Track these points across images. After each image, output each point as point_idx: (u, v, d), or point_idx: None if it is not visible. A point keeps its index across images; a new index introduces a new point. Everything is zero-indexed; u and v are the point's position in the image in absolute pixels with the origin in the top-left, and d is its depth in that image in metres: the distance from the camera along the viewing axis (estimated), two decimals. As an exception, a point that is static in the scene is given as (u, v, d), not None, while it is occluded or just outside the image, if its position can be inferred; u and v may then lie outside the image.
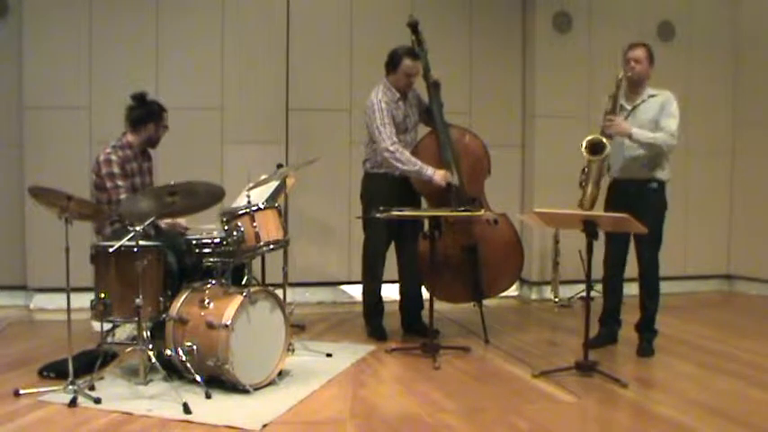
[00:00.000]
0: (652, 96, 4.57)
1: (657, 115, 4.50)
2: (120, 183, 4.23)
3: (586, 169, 4.55)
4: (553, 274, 6.33)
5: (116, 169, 4.24)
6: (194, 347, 3.71)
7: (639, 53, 4.56)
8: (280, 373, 3.93)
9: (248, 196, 4.04)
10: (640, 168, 4.54)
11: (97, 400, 3.51)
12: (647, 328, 4.67)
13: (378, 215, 4.43)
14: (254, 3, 6.17)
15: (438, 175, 4.73)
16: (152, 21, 5.94)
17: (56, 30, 5.78)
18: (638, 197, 4.49)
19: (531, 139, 6.64)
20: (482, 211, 4.71)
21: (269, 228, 3.99)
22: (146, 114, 4.39)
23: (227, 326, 3.64)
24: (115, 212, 4.15)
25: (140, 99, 4.40)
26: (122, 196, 4.16)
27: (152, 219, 3.81)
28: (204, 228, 4.30)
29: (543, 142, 6.54)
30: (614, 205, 4.52)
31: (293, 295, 5.35)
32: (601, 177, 4.58)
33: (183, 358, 3.75)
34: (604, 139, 4.45)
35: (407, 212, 4.56)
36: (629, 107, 4.59)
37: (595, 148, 4.46)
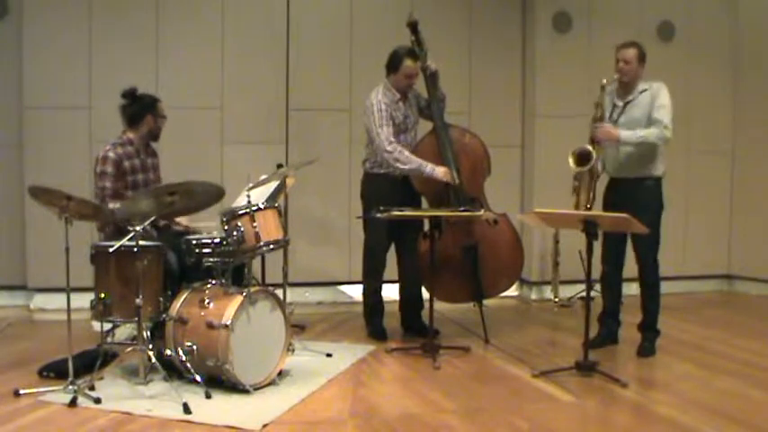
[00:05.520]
0: (644, 91, 4.52)
1: (650, 109, 4.47)
2: (107, 184, 4.17)
3: (578, 176, 4.54)
4: (553, 274, 6.32)
5: (109, 168, 4.19)
6: (194, 347, 3.72)
7: (628, 54, 4.49)
8: (280, 373, 3.93)
9: (248, 196, 4.03)
10: (635, 166, 4.53)
11: (97, 400, 3.52)
12: (649, 328, 4.66)
13: (378, 215, 4.43)
14: (254, 3, 6.16)
15: (439, 171, 4.73)
16: (152, 21, 5.94)
17: (56, 30, 5.77)
18: (633, 195, 4.48)
19: (531, 139, 6.63)
20: (482, 212, 4.71)
21: (269, 228, 3.99)
22: (141, 108, 4.36)
23: (227, 326, 3.64)
24: (110, 216, 4.02)
25: (131, 95, 4.36)
26: (108, 201, 4.10)
27: (152, 218, 3.80)
28: (202, 225, 4.30)
29: (543, 142, 6.53)
30: (611, 204, 4.52)
31: (293, 295, 5.34)
32: (594, 181, 4.55)
33: (183, 358, 3.75)
34: (591, 148, 4.42)
35: (407, 212, 4.56)
36: (621, 104, 4.57)
37: (582, 157, 4.44)
